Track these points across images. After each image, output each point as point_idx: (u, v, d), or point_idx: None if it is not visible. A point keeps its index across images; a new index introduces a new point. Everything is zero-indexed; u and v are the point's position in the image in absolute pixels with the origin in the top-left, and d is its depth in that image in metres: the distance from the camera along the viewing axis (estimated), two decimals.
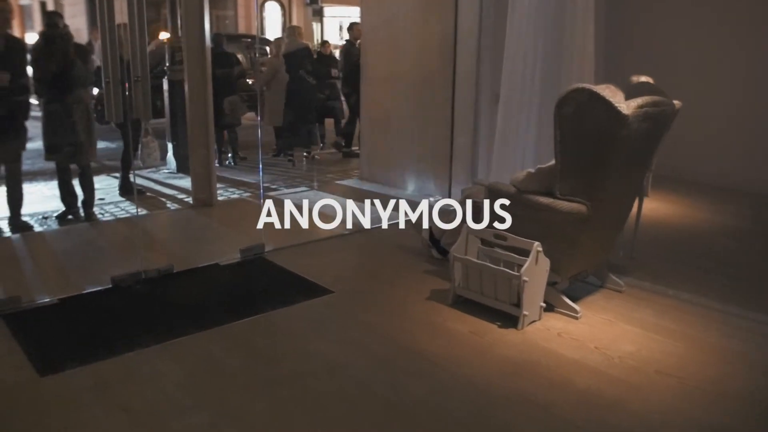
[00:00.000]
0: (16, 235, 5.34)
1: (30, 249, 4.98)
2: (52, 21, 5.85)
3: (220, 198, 6.48)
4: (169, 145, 8.49)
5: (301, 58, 8.86)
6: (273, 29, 23.40)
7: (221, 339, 3.41)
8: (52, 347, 3.31)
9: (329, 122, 10.05)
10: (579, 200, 3.59)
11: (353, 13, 24.99)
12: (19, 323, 3.55)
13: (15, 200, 5.64)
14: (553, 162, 3.69)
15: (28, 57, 5.77)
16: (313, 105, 9.01)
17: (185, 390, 2.92)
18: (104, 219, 6.05)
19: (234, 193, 7.05)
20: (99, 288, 4.04)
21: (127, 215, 6.06)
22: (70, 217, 6.12)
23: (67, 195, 6.11)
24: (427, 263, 4.60)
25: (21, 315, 3.66)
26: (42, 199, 6.61)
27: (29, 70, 5.64)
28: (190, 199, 6.37)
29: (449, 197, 6.42)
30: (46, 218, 6.10)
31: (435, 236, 4.70)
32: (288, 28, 10.08)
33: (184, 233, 5.38)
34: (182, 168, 8.32)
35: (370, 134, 7.31)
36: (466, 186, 6.07)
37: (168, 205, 6.53)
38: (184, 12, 5.85)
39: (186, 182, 7.64)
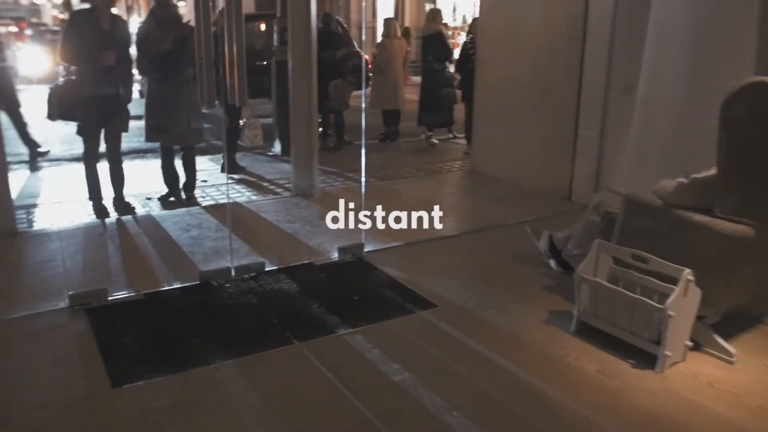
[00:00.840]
0: (112, 219, 5.22)
1: (123, 236, 4.83)
2: (164, 1, 5.69)
3: (322, 185, 6.19)
4: (276, 128, 8.31)
5: (435, 43, 8.55)
6: (385, 9, 23.00)
7: (300, 358, 3.03)
8: (130, 351, 3.07)
9: None
10: (745, 221, 2.92)
11: None
12: (102, 319, 3.35)
13: (117, 181, 5.56)
14: (713, 172, 3.02)
15: (133, 37, 5.66)
16: (448, 89, 8.68)
17: (261, 417, 2.56)
18: (204, 202, 5.89)
19: (336, 181, 6.71)
20: (186, 284, 3.79)
21: (225, 201, 5.86)
22: (172, 198, 6.03)
23: (169, 177, 6.01)
24: (546, 276, 4.02)
25: (104, 310, 3.46)
26: (146, 178, 6.55)
27: (133, 50, 5.52)
28: (291, 186, 6.09)
29: (569, 198, 5.77)
30: (149, 199, 6.02)
31: (555, 246, 4.11)
32: (430, 11, 9.60)
33: (279, 226, 5.07)
34: (287, 151, 8.12)
35: (484, 123, 6.73)
36: (590, 186, 5.42)
37: (268, 191, 6.28)
38: None
39: (289, 167, 7.43)
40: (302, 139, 5.57)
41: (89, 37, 5.05)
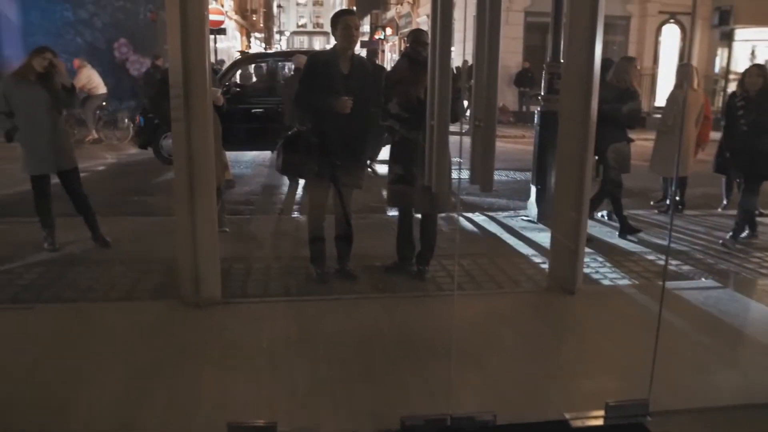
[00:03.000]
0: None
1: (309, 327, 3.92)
2: (420, 40, 4.81)
3: (592, 271, 4.74)
4: (532, 188, 7.06)
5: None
6: (669, 55, 20.49)
7: None
8: None
9: None
10: None
11: None
12: None
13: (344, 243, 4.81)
14: None
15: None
16: None
17: None
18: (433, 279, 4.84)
19: (610, 269, 5.19)
20: None
21: (450, 291, 4.67)
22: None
23: (405, 245, 5.07)
24: None
25: None
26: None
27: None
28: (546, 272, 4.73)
29: None
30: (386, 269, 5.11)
31: None
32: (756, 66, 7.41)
33: (522, 347, 3.66)
34: (544, 217, 6.83)
35: None
36: None
37: (509, 279, 4.96)
38: (569, 34, 4.22)
39: (546, 237, 6.10)
40: (567, 217, 4.22)
41: (325, 82, 4.37)
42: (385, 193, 4.97)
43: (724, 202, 7.57)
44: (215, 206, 3.89)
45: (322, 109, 4.40)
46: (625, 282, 4.87)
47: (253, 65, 12.94)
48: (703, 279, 5.01)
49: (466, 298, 4.36)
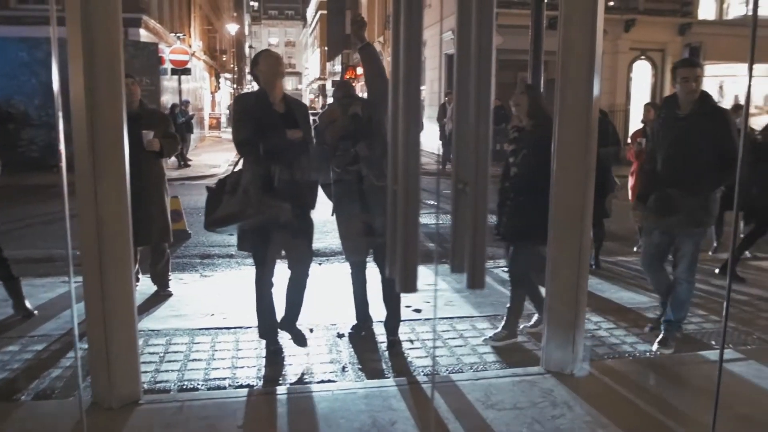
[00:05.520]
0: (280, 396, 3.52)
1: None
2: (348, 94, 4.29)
3: (595, 345, 4.08)
4: None
5: None
6: (641, 92, 20.35)
7: None
8: None
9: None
10: None
11: (740, 72, 20.86)
12: None
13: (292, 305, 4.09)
14: None
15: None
16: None
17: None
18: (409, 356, 4.11)
19: (616, 339, 4.46)
20: None
21: (428, 372, 3.95)
22: (363, 333, 4.43)
23: (362, 306, 4.47)
24: None
25: None
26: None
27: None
28: (540, 352, 3.85)
29: None
30: (341, 336, 4.44)
31: None
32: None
33: None
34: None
35: None
36: None
37: (499, 353, 4.24)
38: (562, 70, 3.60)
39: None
40: (562, 276, 3.54)
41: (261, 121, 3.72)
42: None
43: (714, 244, 7.05)
44: (132, 280, 3.14)
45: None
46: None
47: None
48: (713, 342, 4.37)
49: (446, 389, 3.52)
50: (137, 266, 5.34)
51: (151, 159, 4.88)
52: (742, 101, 13.53)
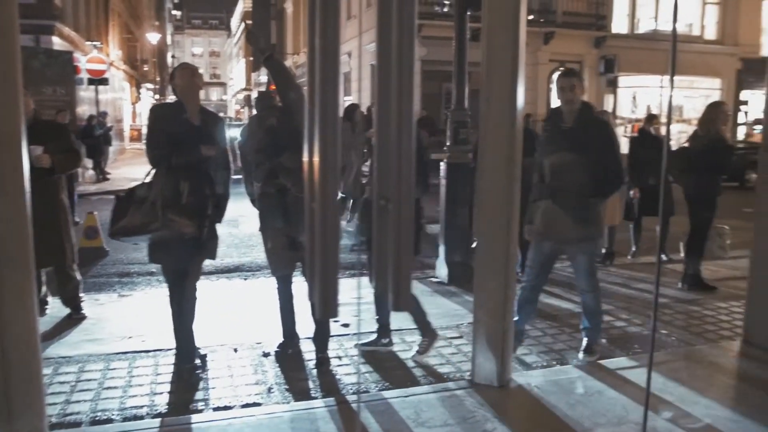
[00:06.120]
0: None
1: None
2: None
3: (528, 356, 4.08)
4: (441, 248, 6.39)
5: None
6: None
7: None
8: None
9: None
10: None
11: (651, 83, 21.99)
12: None
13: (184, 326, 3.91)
14: None
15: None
16: None
17: None
18: (338, 372, 4.01)
19: (550, 352, 4.46)
20: None
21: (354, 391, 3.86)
22: (290, 351, 4.28)
23: (289, 323, 4.32)
24: None
25: None
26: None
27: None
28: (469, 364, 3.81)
29: None
30: (266, 355, 4.29)
31: None
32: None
33: None
34: (455, 279, 6.17)
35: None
36: None
37: (426, 370, 4.16)
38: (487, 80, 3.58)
39: (458, 304, 5.41)
40: (492, 285, 3.52)
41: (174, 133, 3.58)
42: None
43: (633, 248, 7.29)
44: (34, 306, 2.90)
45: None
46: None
47: None
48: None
49: (376, 407, 3.42)
50: (44, 289, 5.01)
51: (42, 176, 4.42)
52: (653, 111, 14.14)
